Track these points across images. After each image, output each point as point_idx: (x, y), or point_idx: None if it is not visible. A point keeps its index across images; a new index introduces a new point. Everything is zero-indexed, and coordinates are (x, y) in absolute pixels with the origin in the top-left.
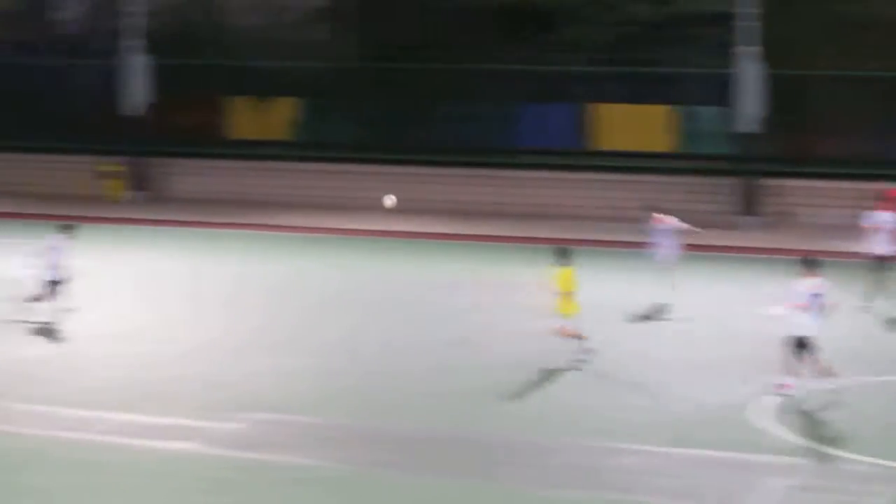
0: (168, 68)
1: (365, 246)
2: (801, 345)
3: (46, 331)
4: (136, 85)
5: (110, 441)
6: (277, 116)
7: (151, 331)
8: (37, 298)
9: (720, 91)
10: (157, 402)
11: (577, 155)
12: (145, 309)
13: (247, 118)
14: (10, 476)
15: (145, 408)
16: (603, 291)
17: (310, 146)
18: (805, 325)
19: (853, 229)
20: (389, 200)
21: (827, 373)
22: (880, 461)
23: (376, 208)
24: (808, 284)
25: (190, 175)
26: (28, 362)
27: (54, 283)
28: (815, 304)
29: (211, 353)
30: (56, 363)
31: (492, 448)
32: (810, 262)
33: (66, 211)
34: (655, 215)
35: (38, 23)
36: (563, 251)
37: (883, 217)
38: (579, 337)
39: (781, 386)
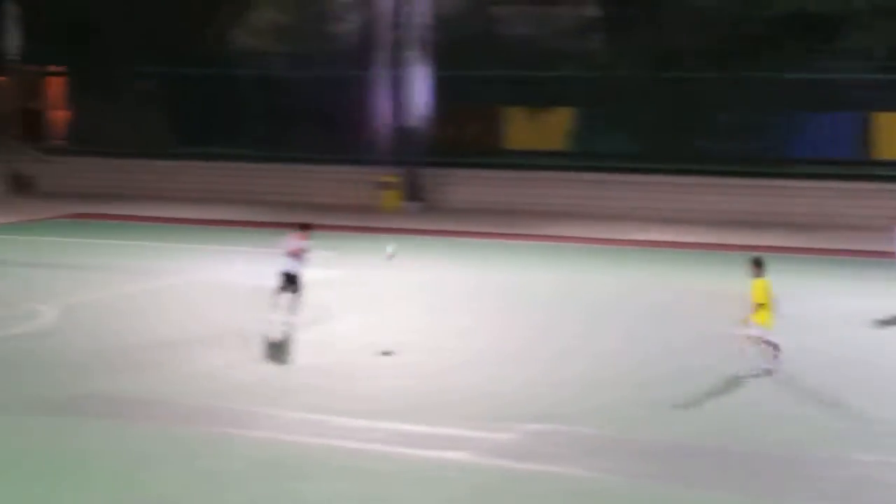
0: (445, 79)
1: (639, 256)
2: None
3: (319, 341)
4: (415, 96)
5: (381, 450)
6: (553, 126)
7: (423, 340)
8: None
9: None
10: (429, 411)
11: (857, 165)
12: (418, 318)
13: (522, 128)
14: (285, 484)
15: (417, 417)
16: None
17: (584, 156)
18: None
19: None
20: (389, 249)
21: None
22: None
23: (650, 218)
24: None
25: (465, 185)
26: (300, 371)
27: (290, 282)
28: None
29: (484, 363)
30: (327, 372)
31: (765, 460)
32: None
33: (342, 221)
34: None
35: (317, 35)
36: (758, 262)
37: None
38: (774, 346)
39: None
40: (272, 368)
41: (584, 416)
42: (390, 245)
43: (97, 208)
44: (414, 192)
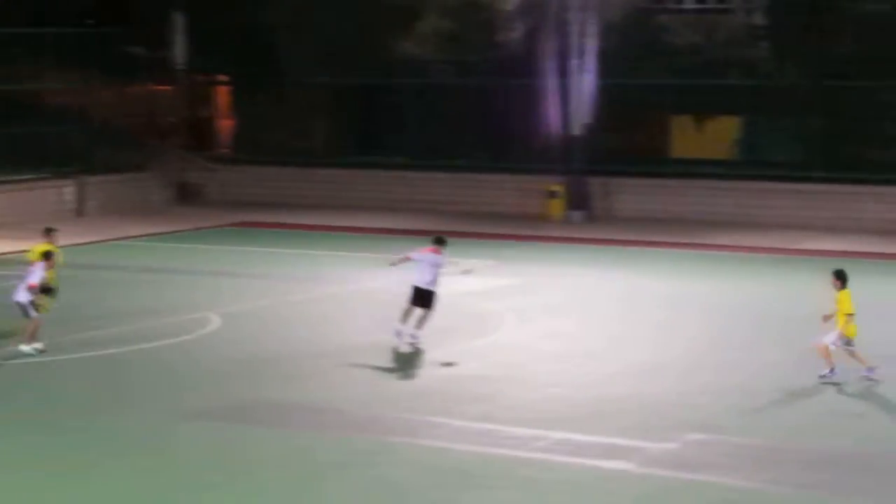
0: (611, 87)
1: (805, 266)
2: None
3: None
4: (580, 104)
5: (547, 459)
6: (718, 135)
7: (584, 349)
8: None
9: None
10: (591, 420)
11: None
12: (583, 328)
13: (688, 137)
14: (451, 493)
15: (579, 426)
16: None
17: (750, 164)
18: None
19: None
20: (465, 268)
21: None
22: None
23: (816, 227)
24: None
25: (630, 194)
26: (463, 380)
27: (421, 297)
28: None
29: (645, 372)
30: (491, 381)
31: None
32: None
33: (505, 229)
34: None
35: (482, 43)
36: (840, 275)
37: None
38: (857, 358)
39: None
40: (435, 377)
41: (747, 426)
42: (466, 264)
43: (263, 217)
44: (578, 201)
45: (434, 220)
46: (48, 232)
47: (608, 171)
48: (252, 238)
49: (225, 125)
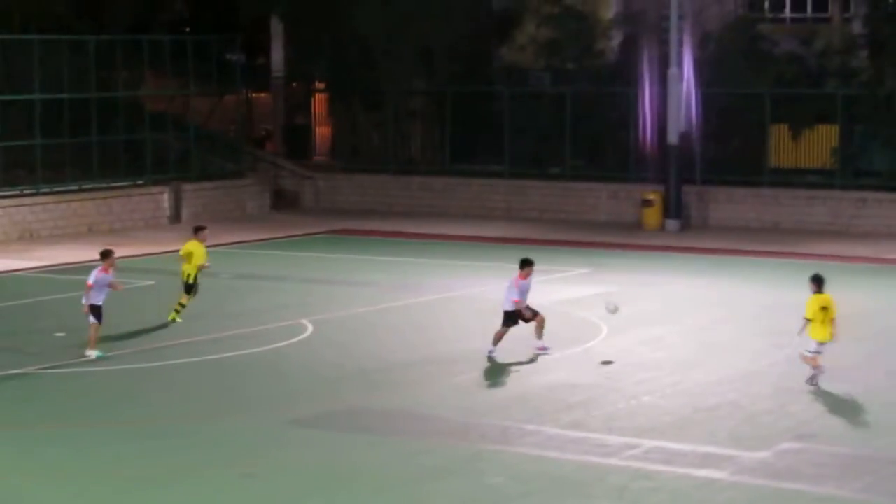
0: (710, 96)
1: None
2: None
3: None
4: (679, 112)
5: (640, 467)
6: (817, 144)
7: (682, 358)
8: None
9: None
10: (686, 429)
11: None
12: (677, 336)
13: (786, 146)
14: (547, 499)
15: (674, 435)
16: None
17: (849, 174)
18: None
19: None
20: (610, 306)
21: None
22: None
23: None
24: None
25: (727, 203)
26: (558, 388)
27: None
28: None
29: (740, 381)
30: (586, 389)
31: None
32: None
33: (602, 238)
34: None
35: (580, 51)
36: (816, 279)
37: None
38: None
39: None
40: (530, 385)
41: (840, 435)
42: (611, 302)
43: (358, 224)
44: (674, 210)
45: (529, 229)
46: (197, 231)
47: (704, 180)
48: (347, 246)
49: (322, 132)
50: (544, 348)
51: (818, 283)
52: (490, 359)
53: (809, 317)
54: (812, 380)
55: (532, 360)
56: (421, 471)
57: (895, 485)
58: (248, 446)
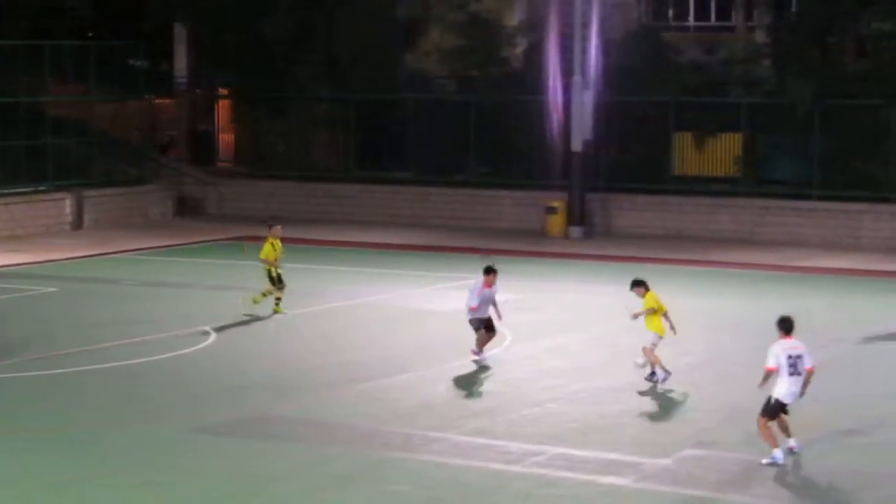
0: (614, 104)
1: (807, 283)
2: None
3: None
4: (582, 121)
5: (544, 474)
6: (720, 152)
7: (586, 365)
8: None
9: None
10: (589, 436)
11: None
12: (581, 344)
13: (690, 154)
14: None
15: (577, 442)
16: None
17: (752, 182)
18: None
19: None
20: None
21: None
22: None
23: (817, 245)
24: None
25: (631, 211)
26: (463, 396)
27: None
28: None
29: (644, 389)
30: (490, 396)
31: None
32: None
33: (507, 245)
34: None
35: (485, 59)
36: (638, 282)
37: None
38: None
39: None
40: (434, 393)
41: (742, 442)
42: (640, 358)
43: (262, 231)
44: (578, 217)
45: (434, 236)
46: (269, 223)
47: (608, 188)
48: (251, 253)
49: (226, 139)
50: (479, 356)
51: (641, 284)
52: (479, 365)
53: (649, 307)
54: (652, 376)
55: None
56: (325, 478)
57: (796, 491)
58: (154, 454)
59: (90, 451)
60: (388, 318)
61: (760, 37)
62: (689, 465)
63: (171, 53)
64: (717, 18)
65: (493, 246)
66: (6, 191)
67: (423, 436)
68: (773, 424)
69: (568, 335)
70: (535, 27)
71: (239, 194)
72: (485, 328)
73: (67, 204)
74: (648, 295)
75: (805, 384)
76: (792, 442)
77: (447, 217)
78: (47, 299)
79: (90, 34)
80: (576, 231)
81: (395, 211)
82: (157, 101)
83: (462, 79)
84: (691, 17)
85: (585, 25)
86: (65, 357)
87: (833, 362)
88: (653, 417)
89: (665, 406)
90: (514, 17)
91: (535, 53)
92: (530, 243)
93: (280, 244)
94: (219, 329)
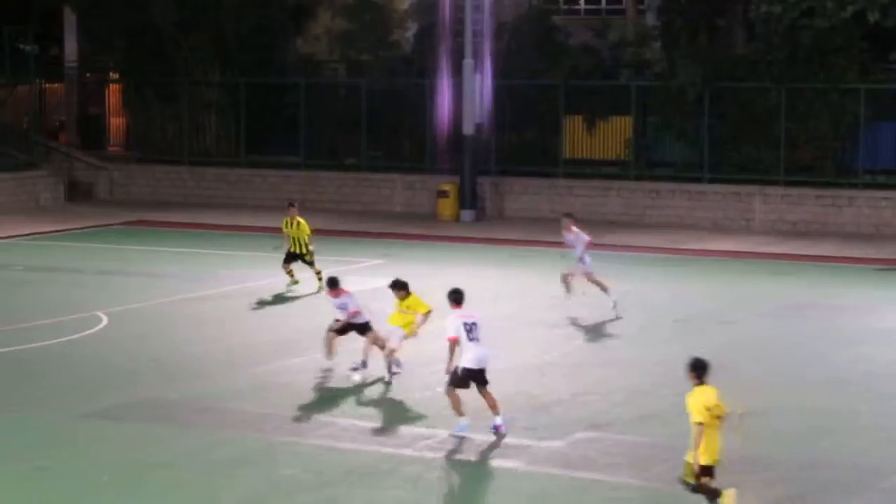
0: (504, 87)
1: (697, 266)
2: None
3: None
4: (473, 104)
5: (433, 457)
6: (610, 135)
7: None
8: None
9: None
10: (481, 419)
11: None
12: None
13: (580, 137)
14: (339, 491)
15: (470, 425)
16: None
17: (641, 165)
18: None
19: None
20: None
21: None
22: None
23: (707, 228)
24: None
25: (522, 194)
26: (349, 379)
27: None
28: None
29: (534, 372)
30: (378, 380)
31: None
32: None
33: (397, 229)
34: None
35: (375, 43)
36: (397, 284)
37: None
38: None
39: None
40: (321, 378)
41: (633, 425)
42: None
43: (154, 216)
44: (471, 201)
45: (325, 220)
46: (291, 205)
47: (500, 171)
48: (142, 237)
49: (116, 123)
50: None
51: (400, 287)
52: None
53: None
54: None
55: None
56: (215, 463)
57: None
58: (40, 440)
59: None
60: (279, 302)
61: (650, 19)
62: (580, 447)
63: (61, 38)
64: (608, 2)
65: (384, 230)
66: None
67: (312, 419)
68: (462, 394)
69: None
70: (425, 11)
71: (130, 179)
72: (357, 332)
73: None
74: (413, 298)
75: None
76: (498, 420)
77: (338, 201)
78: None
79: None
80: (467, 214)
81: (285, 195)
82: (46, 85)
83: (352, 63)
84: (582, 1)
85: (477, 9)
86: None
87: (723, 346)
88: (544, 400)
89: (556, 389)
90: (405, 1)
91: (425, 37)
92: (421, 227)
93: (295, 223)
94: (110, 314)
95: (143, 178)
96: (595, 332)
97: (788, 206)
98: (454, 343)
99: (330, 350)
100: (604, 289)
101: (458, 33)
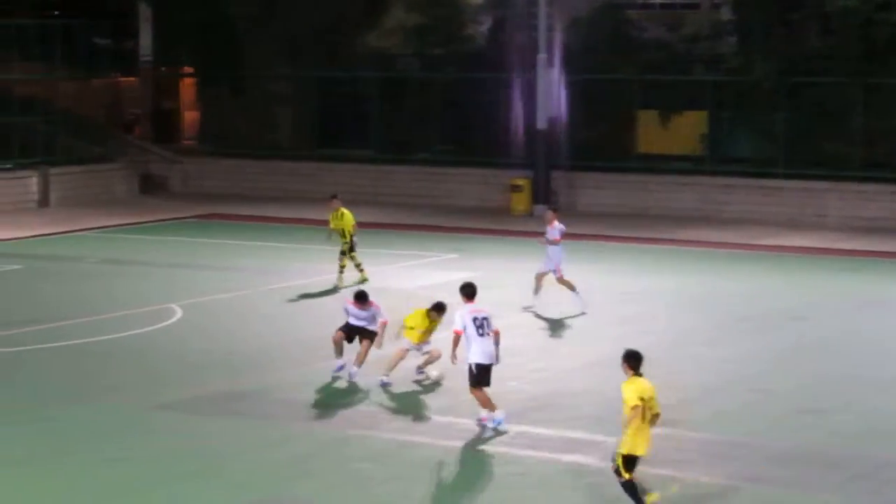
0: (578, 82)
1: (770, 262)
2: None
3: None
4: (547, 98)
5: (505, 452)
6: (684, 130)
7: (547, 344)
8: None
9: None
10: (550, 414)
11: None
12: (542, 322)
13: (654, 132)
14: (411, 485)
15: (538, 420)
16: None
17: (716, 160)
18: None
19: None
20: None
21: None
22: None
23: (781, 223)
24: None
25: (595, 189)
26: (428, 377)
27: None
28: None
29: (605, 367)
30: (451, 375)
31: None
32: None
33: (469, 223)
34: None
35: (449, 36)
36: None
37: None
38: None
39: None
40: (396, 370)
41: (707, 422)
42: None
43: (225, 209)
44: (544, 195)
45: (397, 214)
46: (333, 197)
47: (573, 166)
48: (214, 230)
49: (189, 117)
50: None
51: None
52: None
53: (412, 325)
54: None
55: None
56: (287, 456)
57: (760, 470)
58: (115, 431)
59: (51, 427)
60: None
61: (725, 14)
62: (653, 443)
63: (136, 32)
64: None
65: (456, 224)
66: None
67: (385, 413)
68: (487, 390)
69: (527, 313)
70: (498, 5)
71: (202, 172)
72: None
73: (33, 182)
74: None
75: (497, 345)
76: (484, 414)
77: (409, 195)
78: (11, 277)
79: (55, 13)
80: (540, 209)
81: (356, 189)
82: (121, 79)
83: (425, 57)
84: None
85: (550, 3)
86: (26, 335)
87: (795, 342)
88: (613, 396)
89: None
90: None
91: (499, 31)
92: (494, 221)
93: (339, 214)
94: (182, 306)
95: (215, 171)
96: (667, 327)
97: (863, 201)
98: (458, 336)
99: (340, 349)
100: (571, 287)
101: (531, 27)
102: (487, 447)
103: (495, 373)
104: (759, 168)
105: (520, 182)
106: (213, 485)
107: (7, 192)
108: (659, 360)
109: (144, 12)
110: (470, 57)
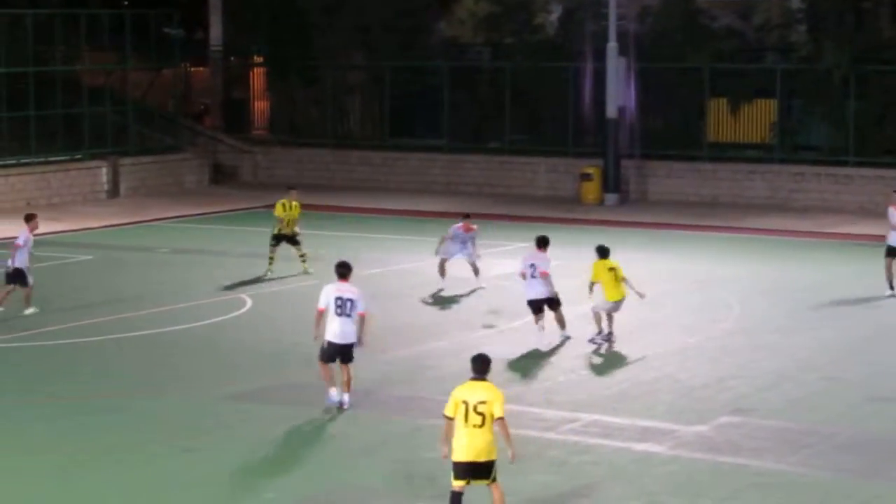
0: (648, 71)
1: (843, 250)
2: None
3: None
4: (617, 87)
5: (578, 441)
6: (755, 118)
7: (620, 332)
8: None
9: None
10: (625, 403)
11: None
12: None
13: (724, 120)
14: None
15: (614, 409)
16: None
17: (787, 148)
18: None
19: None
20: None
21: None
22: None
23: (853, 212)
24: None
25: (665, 177)
26: (498, 363)
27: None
28: None
29: (680, 356)
30: (524, 364)
31: None
32: None
33: (540, 212)
34: None
35: (519, 25)
36: (600, 249)
37: None
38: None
39: None
40: (466, 360)
41: (779, 410)
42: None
43: (298, 198)
44: (614, 184)
45: (468, 203)
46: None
47: (643, 154)
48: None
49: (260, 107)
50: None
51: (601, 252)
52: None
53: (595, 280)
54: (594, 338)
55: (473, 334)
56: (358, 444)
57: (832, 458)
58: (188, 421)
59: (124, 418)
60: (423, 284)
61: (795, 2)
62: (725, 432)
63: (206, 22)
64: None
65: (527, 213)
66: (43, 160)
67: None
68: (332, 366)
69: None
70: None
71: (273, 162)
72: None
73: (103, 172)
74: (596, 264)
75: (362, 328)
76: (346, 398)
77: (480, 184)
78: (83, 267)
79: (125, 2)
80: (610, 198)
81: (428, 178)
82: (191, 69)
83: (496, 45)
84: None
85: None
86: (99, 325)
87: (867, 331)
88: (688, 384)
89: (701, 373)
90: None
91: (569, 20)
92: (565, 210)
93: (290, 205)
94: (253, 296)
95: (286, 161)
96: (740, 315)
97: None
98: (321, 313)
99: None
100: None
101: (601, 16)
102: (560, 436)
103: (568, 362)
104: (830, 156)
105: (590, 171)
106: (284, 474)
107: (77, 183)
108: (732, 348)
109: (215, 2)
110: (540, 46)
